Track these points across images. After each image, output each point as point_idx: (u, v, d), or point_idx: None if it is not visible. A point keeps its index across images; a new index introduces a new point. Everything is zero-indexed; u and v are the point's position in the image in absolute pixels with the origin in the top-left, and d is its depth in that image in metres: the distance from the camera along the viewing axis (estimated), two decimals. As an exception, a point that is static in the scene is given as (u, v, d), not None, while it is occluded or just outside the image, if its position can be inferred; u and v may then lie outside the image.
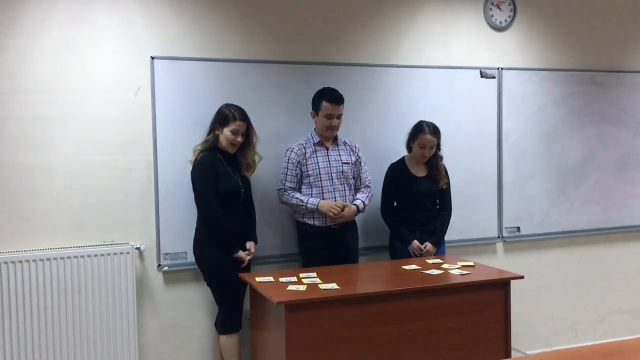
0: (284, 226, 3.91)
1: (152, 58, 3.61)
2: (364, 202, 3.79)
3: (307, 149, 3.75)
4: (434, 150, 3.88)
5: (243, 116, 3.44)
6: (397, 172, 3.92)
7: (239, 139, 3.44)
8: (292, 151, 3.73)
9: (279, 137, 3.85)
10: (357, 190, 3.86)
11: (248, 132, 3.50)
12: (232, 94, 3.72)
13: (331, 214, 3.63)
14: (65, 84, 3.46)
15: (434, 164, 3.93)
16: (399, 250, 3.91)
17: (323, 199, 3.69)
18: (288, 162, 3.72)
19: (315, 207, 3.64)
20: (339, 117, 3.69)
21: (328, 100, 3.65)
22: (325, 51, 3.99)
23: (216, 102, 3.60)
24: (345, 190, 3.76)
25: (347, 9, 4.03)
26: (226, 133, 3.41)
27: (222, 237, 3.43)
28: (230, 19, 3.78)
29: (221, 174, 3.44)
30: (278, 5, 3.88)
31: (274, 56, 3.87)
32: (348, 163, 3.78)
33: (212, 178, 3.40)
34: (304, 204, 3.66)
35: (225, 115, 3.43)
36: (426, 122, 3.87)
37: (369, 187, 3.87)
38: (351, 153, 3.83)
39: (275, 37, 3.88)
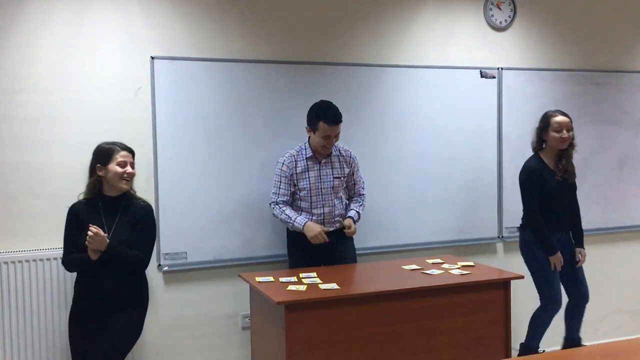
0: (284, 226, 3.90)
1: (152, 58, 3.61)
2: (358, 212, 3.74)
3: (299, 162, 3.62)
4: (572, 133, 3.71)
5: (125, 146, 3.07)
6: (540, 171, 3.72)
7: (129, 169, 3.03)
8: (283, 164, 3.61)
9: (279, 137, 3.84)
10: (350, 198, 3.80)
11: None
12: (232, 94, 3.73)
13: (313, 242, 3.51)
14: (65, 84, 3.46)
15: (567, 155, 3.73)
16: (537, 256, 3.78)
17: (312, 212, 3.61)
18: (280, 176, 3.61)
19: (302, 228, 3.55)
20: (336, 136, 3.55)
21: (325, 120, 3.46)
22: (325, 51, 3.98)
23: (216, 102, 3.61)
24: (335, 204, 3.66)
25: (347, 9, 4.03)
26: (113, 168, 2.99)
27: None
28: (230, 19, 3.78)
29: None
30: (278, 5, 3.88)
31: (274, 56, 3.86)
32: (339, 177, 3.67)
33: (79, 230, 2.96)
34: (291, 222, 3.58)
35: (105, 150, 3.02)
36: (551, 110, 3.82)
37: (363, 194, 3.81)
38: (345, 165, 3.69)
39: (275, 37, 3.88)
